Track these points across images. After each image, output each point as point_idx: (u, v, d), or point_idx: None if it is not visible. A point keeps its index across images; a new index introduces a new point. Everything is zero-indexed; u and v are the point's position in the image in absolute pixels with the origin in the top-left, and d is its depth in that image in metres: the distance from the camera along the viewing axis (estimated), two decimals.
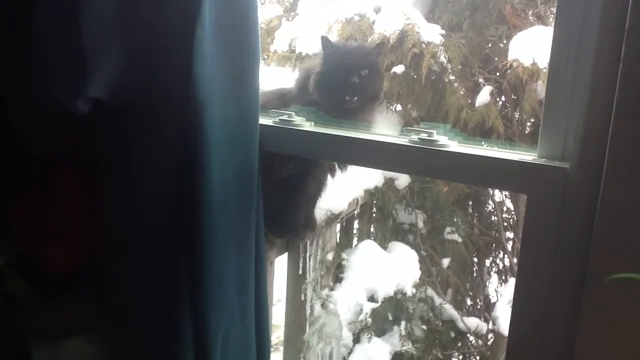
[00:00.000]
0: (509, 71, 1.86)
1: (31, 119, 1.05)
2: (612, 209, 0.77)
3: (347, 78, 1.31)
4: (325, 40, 1.38)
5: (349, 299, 1.87)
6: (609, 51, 0.76)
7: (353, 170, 1.51)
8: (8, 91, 0.99)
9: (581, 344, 0.83)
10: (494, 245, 2.38)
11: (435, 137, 0.96)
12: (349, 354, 1.91)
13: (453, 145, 0.95)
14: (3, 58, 0.96)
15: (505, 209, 2.40)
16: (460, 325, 2.16)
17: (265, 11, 2.57)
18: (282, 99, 1.39)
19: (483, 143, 0.98)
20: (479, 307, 2.39)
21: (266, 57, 2.40)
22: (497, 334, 2.19)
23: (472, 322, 2.19)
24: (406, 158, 0.98)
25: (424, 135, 0.97)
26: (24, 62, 0.92)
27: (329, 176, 1.51)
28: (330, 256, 1.87)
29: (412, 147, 0.97)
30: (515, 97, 2.06)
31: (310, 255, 1.67)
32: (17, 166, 1.13)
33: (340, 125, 1.16)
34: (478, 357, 2.29)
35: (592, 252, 0.79)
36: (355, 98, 1.32)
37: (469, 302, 2.43)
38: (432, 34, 1.92)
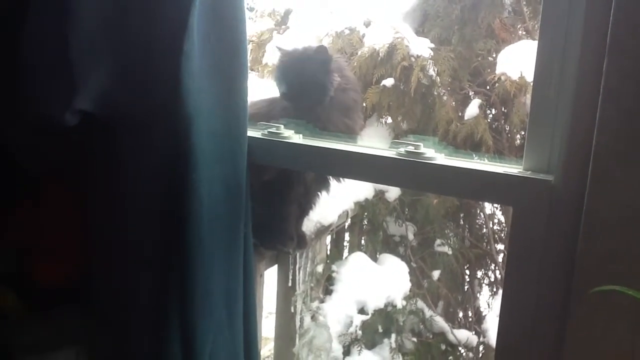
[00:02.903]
0: (497, 85, 1.88)
1: (21, 133, 1.05)
2: (596, 221, 0.78)
3: (279, 86, 1.40)
4: (278, 49, 1.48)
5: (339, 311, 1.87)
6: (591, 67, 0.78)
7: (344, 182, 1.52)
8: None
9: (568, 355, 0.83)
10: (485, 257, 2.38)
11: (422, 149, 0.97)
12: None
13: (440, 158, 0.96)
14: None
15: (496, 220, 2.40)
16: (451, 337, 2.16)
17: (257, 25, 2.58)
18: (271, 105, 1.44)
19: (474, 156, 0.99)
20: (470, 319, 2.38)
21: (258, 70, 2.41)
22: (487, 347, 2.18)
23: (463, 334, 2.19)
24: (393, 171, 0.99)
25: (410, 148, 0.97)
26: (13, 76, 0.93)
27: (322, 189, 1.52)
28: (320, 268, 1.87)
29: (398, 159, 0.97)
30: (505, 110, 2.07)
31: (299, 268, 1.67)
32: (6, 180, 1.13)
33: (329, 137, 1.16)
34: None
35: (577, 264, 0.80)
36: (292, 102, 1.39)
37: (460, 314, 2.43)
38: (421, 47, 1.94)
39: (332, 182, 1.51)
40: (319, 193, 1.54)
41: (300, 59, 1.43)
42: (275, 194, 1.41)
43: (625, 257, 0.77)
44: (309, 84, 1.39)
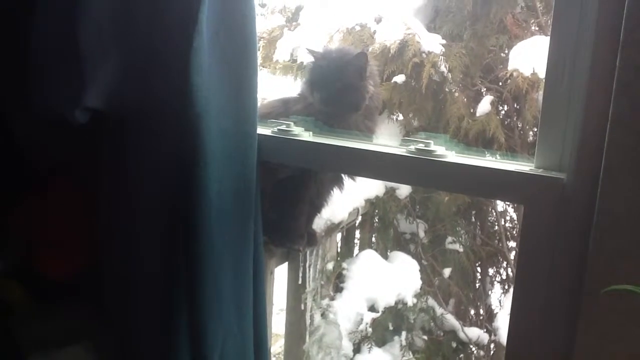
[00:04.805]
0: (509, 81, 1.86)
1: (30, 129, 1.05)
2: (609, 220, 0.77)
3: (318, 91, 1.34)
4: (310, 51, 1.42)
5: (349, 309, 1.86)
6: (604, 62, 0.76)
7: (357, 180, 1.51)
8: (7, 102, 1.00)
9: (578, 355, 0.82)
10: (497, 255, 2.37)
11: (433, 147, 0.96)
12: None
13: (450, 155, 0.95)
14: (2, 69, 0.97)
15: (508, 218, 2.39)
16: (462, 335, 2.14)
17: (268, 21, 2.58)
18: (286, 105, 1.42)
19: (486, 153, 0.98)
20: (481, 317, 2.37)
21: (269, 67, 2.40)
22: (498, 345, 2.17)
23: (474, 332, 2.18)
24: (403, 168, 0.98)
25: (421, 146, 0.97)
26: (23, 73, 0.93)
27: (335, 188, 1.51)
28: (330, 266, 1.86)
29: (409, 157, 0.96)
30: (517, 107, 2.05)
31: (310, 265, 1.67)
32: (15, 175, 1.13)
33: (339, 135, 1.16)
34: None
35: (589, 263, 0.79)
36: (328, 108, 1.34)
37: (471, 312, 2.42)
38: (432, 43, 1.92)
39: (346, 180, 1.50)
40: (332, 191, 1.53)
41: (340, 63, 1.37)
42: (289, 193, 1.40)
43: (638, 256, 0.76)
44: (349, 90, 1.35)
